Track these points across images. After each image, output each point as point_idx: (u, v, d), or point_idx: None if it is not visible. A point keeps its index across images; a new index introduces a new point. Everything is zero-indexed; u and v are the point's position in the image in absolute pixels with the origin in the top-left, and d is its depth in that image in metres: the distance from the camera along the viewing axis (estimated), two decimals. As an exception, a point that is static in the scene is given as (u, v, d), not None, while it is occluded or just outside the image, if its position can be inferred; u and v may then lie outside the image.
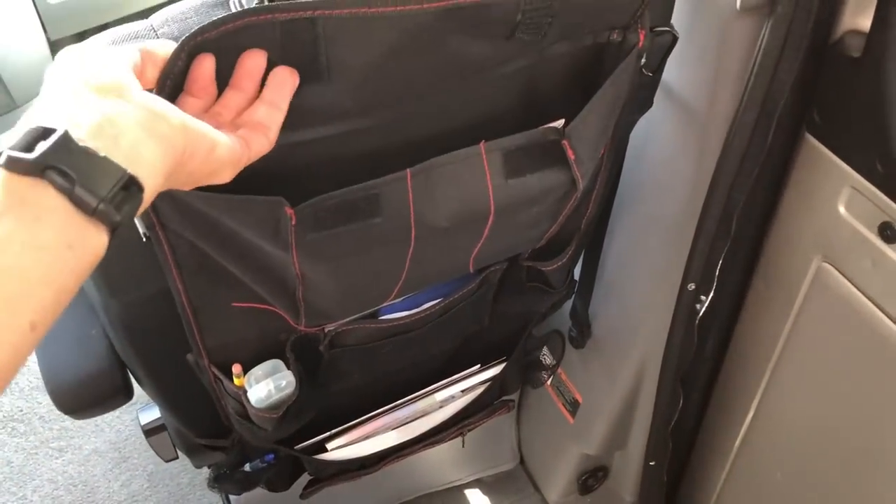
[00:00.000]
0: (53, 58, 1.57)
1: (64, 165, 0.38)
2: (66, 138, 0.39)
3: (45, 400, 1.67)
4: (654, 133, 0.96)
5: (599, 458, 1.43)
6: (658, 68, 0.73)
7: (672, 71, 0.88)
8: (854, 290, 0.88)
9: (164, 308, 0.71)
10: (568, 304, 1.25)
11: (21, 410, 1.65)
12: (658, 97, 0.88)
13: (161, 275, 0.66)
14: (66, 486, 1.56)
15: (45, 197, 0.38)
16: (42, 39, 1.76)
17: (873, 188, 0.81)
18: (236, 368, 0.75)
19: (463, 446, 1.20)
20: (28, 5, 1.69)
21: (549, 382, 1.42)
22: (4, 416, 1.64)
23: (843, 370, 0.95)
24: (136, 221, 0.59)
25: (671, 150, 0.95)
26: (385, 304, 0.80)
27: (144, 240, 0.60)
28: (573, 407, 1.39)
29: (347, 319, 0.79)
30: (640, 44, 0.65)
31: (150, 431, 1.06)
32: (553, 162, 0.67)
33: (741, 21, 0.78)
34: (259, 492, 1.29)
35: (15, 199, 0.37)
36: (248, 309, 0.71)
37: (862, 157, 0.82)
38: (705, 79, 0.86)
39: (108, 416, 1.65)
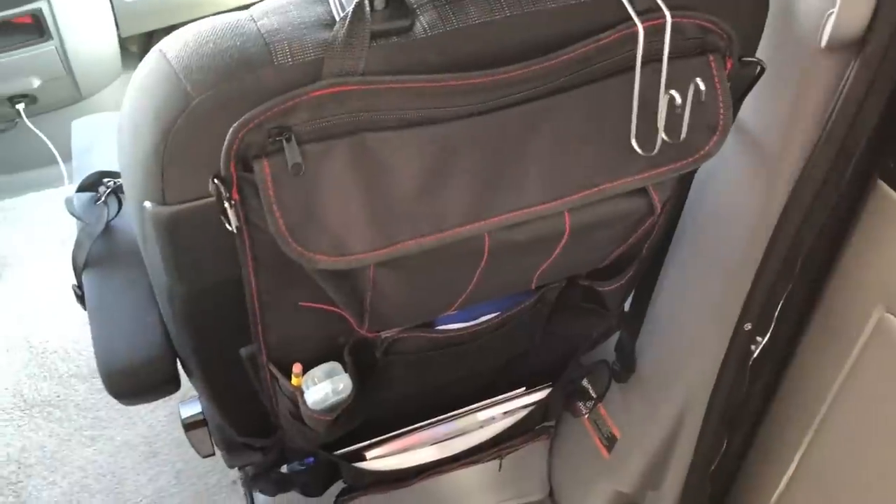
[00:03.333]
0: (122, 55, 1.59)
1: None
2: None
3: (82, 388, 1.68)
4: (721, 166, 0.95)
5: (632, 496, 1.41)
6: (741, 98, 0.72)
7: (746, 104, 0.88)
8: (917, 344, 0.86)
9: (226, 300, 0.72)
10: (614, 338, 1.24)
11: (58, 396, 1.67)
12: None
13: (229, 266, 0.66)
14: (96, 476, 1.56)
15: None
16: (114, 36, 1.80)
17: (947, 237, 0.80)
18: (297, 368, 0.75)
19: (500, 470, 1.18)
20: (104, 2, 1.73)
21: (587, 416, 1.41)
22: (42, 401, 1.66)
23: (898, 428, 0.92)
24: (230, 214, 0.59)
25: (738, 185, 0.94)
26: (443, 315, 0.80)
27: (236, 232, 0.61)
28: (610, 442, 1.37)
29: (405, 327, 0.79)
30: (728, 71, 0.65)
31: (190, 426, 1.06)
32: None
33: (825, 59, 0.77)
34: (283, 499, 1.29)
35: None
36: (314, 309, 0.71)
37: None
38: (781, 115, 0.85)
39: (142, 411, 1.66)
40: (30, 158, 1.93)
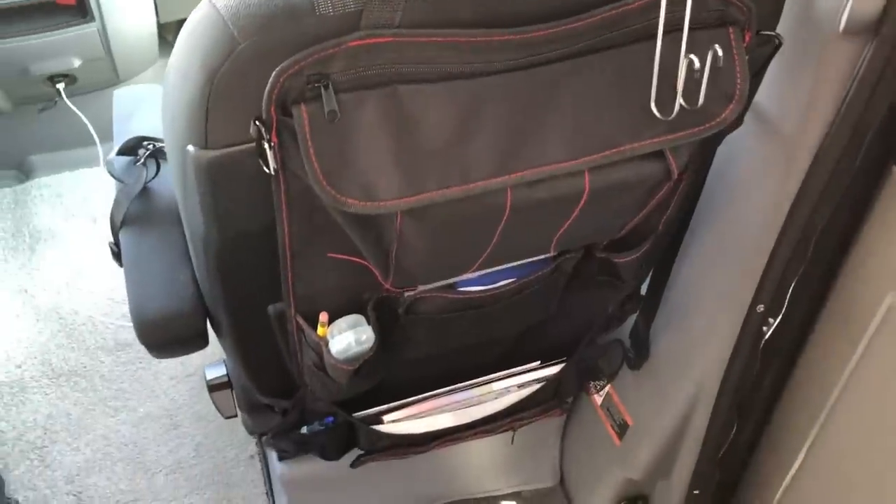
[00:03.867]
0: (159, 43, 1.64)
1: None
2: None
3: (108, 360, 1.73)
4: (738, 150, 0.97)
5: (642, 484, 1.42)
6: (758, 73, 0.75)
7: (763, 88, 0.90)
8: (926, 329, 0.88)
9: (259, 249, 0.75)
10: (628, 325, 1.26)
11: (85, 367, 1.72)
12: (746, 119, 0.90)
13: (264, 214, 0.70)
14: (118, 444, 1.61)
15: None
16: (153, 21, 1.86)
17: (955, 224, 0.82)
18: (323, 316, 0.78)
19: (512, 442, 1.21)
20: (146, -13, 1.79)
21: (599, 403, 1.43)
22: (69, 371, 1.71)
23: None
24: (269, 156, 0.63)
25: (754, 168, 0.97)
26: (463, 277, 0.83)
27: (273, 175, 0.64)
28: (622, 429, 1.39)
29: (427, 287, 0.82)
30: (746, 44, 0.68)
31: (215, 387, 1.10)
32: (650, 153, 0.70)
33: (843, 43, 0.79)
34: (298, 472, 1.31)
35: None
36: (341, 261, 0.75)
37: (947, 192, 0.83)
38: (799, 99, 0.87)
39: (165, 384, 1.70)
40: (67, 138, 1.99)
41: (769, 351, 1.05)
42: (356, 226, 0.68)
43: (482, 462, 1.50)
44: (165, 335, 0.91)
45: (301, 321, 0.80)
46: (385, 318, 0.83)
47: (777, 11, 0.75)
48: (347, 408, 1.00)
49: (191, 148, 0.65)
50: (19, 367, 1.71)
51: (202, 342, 0.96)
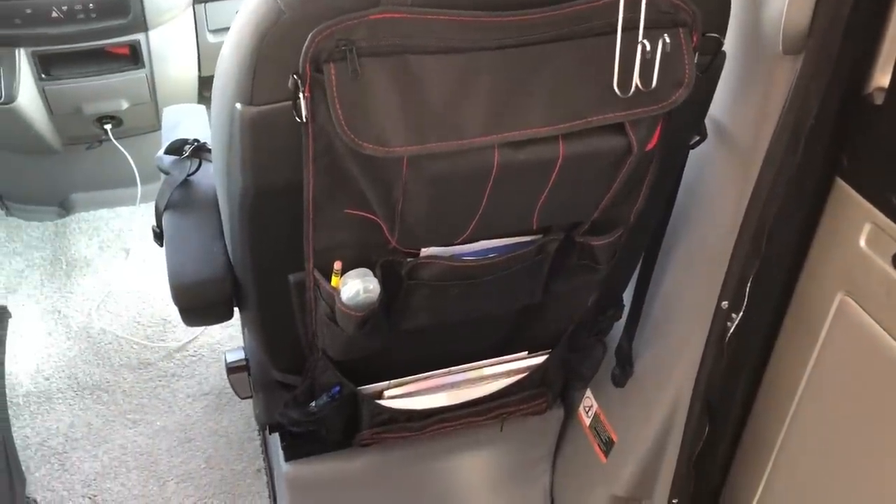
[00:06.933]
0: (199, 99, 1.83)
1: None
2: None
3: (131, 377, 1.84)
4: (706, 170, 1.11)
5: (627, 500, 1.50)
6: (708, 74, 0.89)
7: (723, 106, 1.05)
8: (871, 321, 0.99)
9: (286, 211, 0.88)
10: (613, 344, 1.37)
11: (108, 382, 1.83)
12: (711, 136, 1.05)
13: (294, 171, 0.83)
14: (133, 454, 1.70)
15: None
16: (195, 75, 2.06)
17: (889, 221, 0.95)
18: (337, 264, 0.91)
19: (501, 430, 1.30)
20: (191, 41, 2.00)
21: (588, 424, 1.52)
22: (94, 385, 1.82)
23: (865, 403, 1.01)
24: (302, 106, 0.77)
25: (719, 180, 1.11)
26: (457, 249, 0.96)
27: (303, 123, 0.78)
28: (607, 446, 1.47)
29: (427, 253, 0.95)
30: (695, 44, 0.83)
31: (233, 369, 1.23)
32: (614, 127, 0.85)
33: (784, 63, 0.95)
34: (302, 472, 1.39)
35: None
36: (356, 218, 0.88)
37: (880, 193, 0.96)
38: (751, 114, 1.02)
39: (181, 402, 1.81)
40: (108, 178, 2.17)
41: (738, 351, 1.16)
42: (370, 176, 0.82)
43: (475, 483, 1.57)
44: (198, 298, 1.04)
45: (317, 275, 0.93)
46: (389, 282, 0.96)
47: (722, 23, 0.90)
48: (352, 379, 1.12)
49: (238, 105, 0.80)
50: (47, 379, 1.83)
51: (228, 311, 1.08)
